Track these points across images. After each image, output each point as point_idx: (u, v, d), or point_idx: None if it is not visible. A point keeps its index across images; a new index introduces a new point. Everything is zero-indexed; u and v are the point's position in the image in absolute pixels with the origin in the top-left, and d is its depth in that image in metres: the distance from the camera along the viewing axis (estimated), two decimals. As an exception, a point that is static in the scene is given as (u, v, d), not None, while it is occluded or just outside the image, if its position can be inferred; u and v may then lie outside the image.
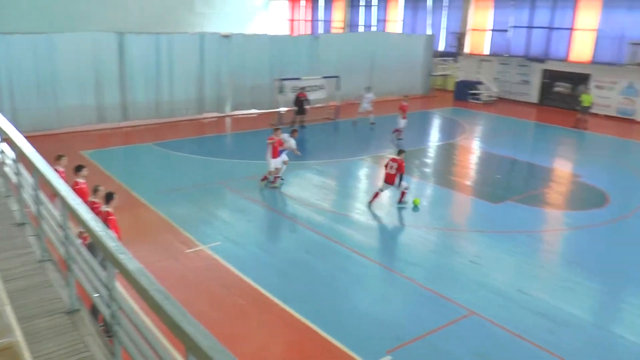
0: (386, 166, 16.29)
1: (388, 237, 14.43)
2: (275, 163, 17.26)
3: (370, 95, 27.71)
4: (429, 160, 22.71)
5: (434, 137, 27.51)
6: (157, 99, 26.50)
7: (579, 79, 34.19)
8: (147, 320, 7.71)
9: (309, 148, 23.36)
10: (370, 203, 16.40)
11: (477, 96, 36.93)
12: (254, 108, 29.82)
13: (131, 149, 22.56)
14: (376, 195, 16.41)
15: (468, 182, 19.92)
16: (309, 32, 54.63)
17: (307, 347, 9.61)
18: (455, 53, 41.12)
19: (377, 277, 12.26)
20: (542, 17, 36.34)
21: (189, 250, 13.00)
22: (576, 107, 30.09)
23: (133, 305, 6.46)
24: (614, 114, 32.18)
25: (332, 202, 16.94)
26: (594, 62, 33.74)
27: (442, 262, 13.23)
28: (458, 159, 23.30)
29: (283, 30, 56.31)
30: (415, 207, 16.50)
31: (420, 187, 18.94)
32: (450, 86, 40.29)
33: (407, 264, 12.71)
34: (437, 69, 39.99)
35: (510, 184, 20.35)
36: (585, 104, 29.14)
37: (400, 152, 16.47)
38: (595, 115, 32.45)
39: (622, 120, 31.43)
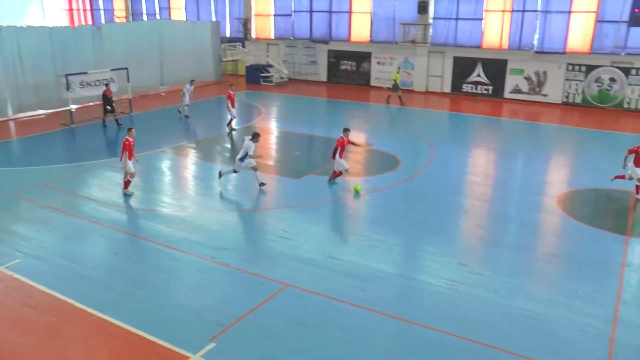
0: None
1: (197, 225, 14.10)
2: (131, 166, 15.90)
3: (192, 88, 27.14)
4: (229, 145, 22.68)
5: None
6: None
7: (361, 57, 37.09)
8: None
9: (104, 145, 22.11)
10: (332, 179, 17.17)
11: (268, 79, 37.89)
12: (41, 108, 27.29)
13: None
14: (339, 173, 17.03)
15: (270, 162, 20.25)
16: (90, 22, 51.42)
17: (132, 352, 9.04)
18: (242, 38, 41.53)
19: (191, 268, 11.92)
20: (321, 2, 38.19)
21: (-18, 275, 11.52)
22: (390, 86, 32.08)
23: None
24: (396, 86, 34.96)
25: (136, 198, 16.07)
26: (372, 42, 36.68)
27: (253, 242, 13.36)
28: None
29: (62, 21, 52.30)
30: (357, 194, 16.36)
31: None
32: (242, 71, 40.84)
33: (219, 250, 12.56)
34: (226, 54, 40.01)
35: (310, 159, 21.16)
36: (397, 81, 31.22)
37: (345, 130, 16.96)
38: (380, 88, 35.15)
39: (403, 91, 34.12)
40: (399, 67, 34.22)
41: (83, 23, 51.49)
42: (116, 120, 24.74)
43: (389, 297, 10.69)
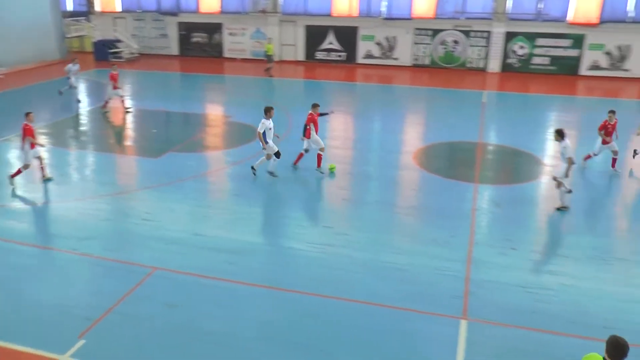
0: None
1: (54, 217, 13.23)
2: (33, 153, 14.61)
3: (75, 68, 25.14)
4: (82, 128, 21.43)
5: (83, 102, 25.99)
6: None
7: (212, 28, 36.46)
8: None
9: None
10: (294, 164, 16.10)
11: (118, 55, 36.06)
12: None
13: None
14: (300, 156, 16.00)
15: (127, 142, 19.46)
16: None
17: (-10, 364, 8.35)
18: (86, 12, 39.18)
19: (52, 264, 11.14)
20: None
21: None
22: (265, 57, 31.70)
23: None
24: (249, 57, 34.86)
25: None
26: (223, 12, 36.14)
27: (116, 228, 12.71)
28: (111, 120, 22.48)
29: None
30: (332, 173, 15.65)
31: (79, 157, 17.81)
32: (89, 47, 38.55)
33: (81, 240, 11.83)
34: (70, 30, 37.55)
35: (168, 136, 20.59)
36: (269, 52, 30.81)
37: (313, 105, 15.73)
38: (234, 59, 34.87)
39: (256, 61, 34.29)
40: (270, 39, 33.88)
41: None
42: None
43: (259, 267, 10.74)
